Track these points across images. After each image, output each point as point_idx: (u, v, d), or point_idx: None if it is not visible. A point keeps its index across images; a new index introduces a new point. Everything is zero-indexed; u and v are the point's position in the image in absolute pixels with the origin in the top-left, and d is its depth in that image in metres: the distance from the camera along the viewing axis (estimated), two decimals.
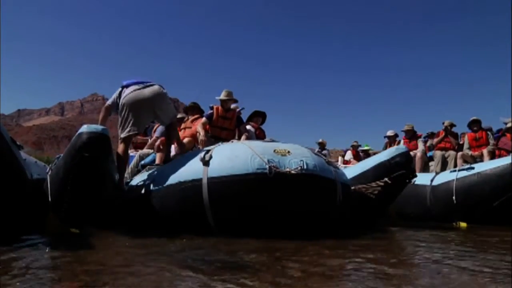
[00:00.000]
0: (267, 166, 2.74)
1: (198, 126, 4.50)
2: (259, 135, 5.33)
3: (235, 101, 4.90)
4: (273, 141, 3.39)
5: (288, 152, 2.95)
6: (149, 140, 5.44)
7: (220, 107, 4.65)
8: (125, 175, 5.08)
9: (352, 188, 3.96)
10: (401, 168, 3.84)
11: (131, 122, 3.44)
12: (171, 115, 3.79)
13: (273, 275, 1.80)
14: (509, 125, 5.91)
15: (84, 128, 2.74)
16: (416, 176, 4.22)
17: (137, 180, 3.80)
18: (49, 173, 3.24)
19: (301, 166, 2.83)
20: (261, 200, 2.83)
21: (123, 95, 3.53)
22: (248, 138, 4.45)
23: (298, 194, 2.88)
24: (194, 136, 4.73)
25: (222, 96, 4.69)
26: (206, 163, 2.93)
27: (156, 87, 3.56)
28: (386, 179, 3.81)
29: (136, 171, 4.60)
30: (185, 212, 3.03)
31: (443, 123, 6.50)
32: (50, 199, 2.95)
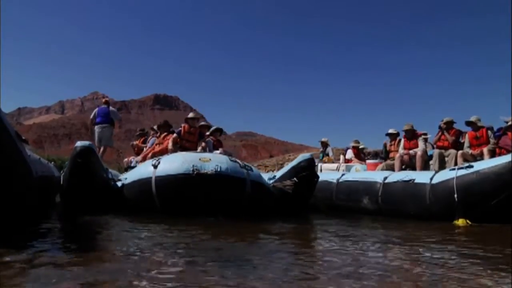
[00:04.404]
0: (191, 169, 4.26)
1: (170, 140, 6.05)
2: (217, 145, 6.92)
3: (199, 120, 6.51)
4: (230, 155, 4.97)
5: (209, 159, 4.48)
6: (144, 149, 7.37)
7: (186, 125, 6.21)
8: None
9: (272, 185, 5.48)
10: (305, 170, 5.33)
11: None
12: None
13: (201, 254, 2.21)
14: (509, 123, 5.79)
15: (78, 143, 4.40)
16: (318, 177, 5.65)
17: (121, 177, 5.43)
18: (62, 173, 5.08)
19: (216, 169, 4.34)
20: (188, 192, 4.36)
21: None
22: (205, 148, 6.13)
23: (214, 188, 4.38)
24: (163, 150, 6.14)
25: (190, 116, 6.33)
26: (155, 167, 4.50)
27: None
28: (294, 178, 5.32)
29: None
30: (142, 199, 4.62)
31: (442, 121, 6.44)
32: (61, 190, 4.72)
